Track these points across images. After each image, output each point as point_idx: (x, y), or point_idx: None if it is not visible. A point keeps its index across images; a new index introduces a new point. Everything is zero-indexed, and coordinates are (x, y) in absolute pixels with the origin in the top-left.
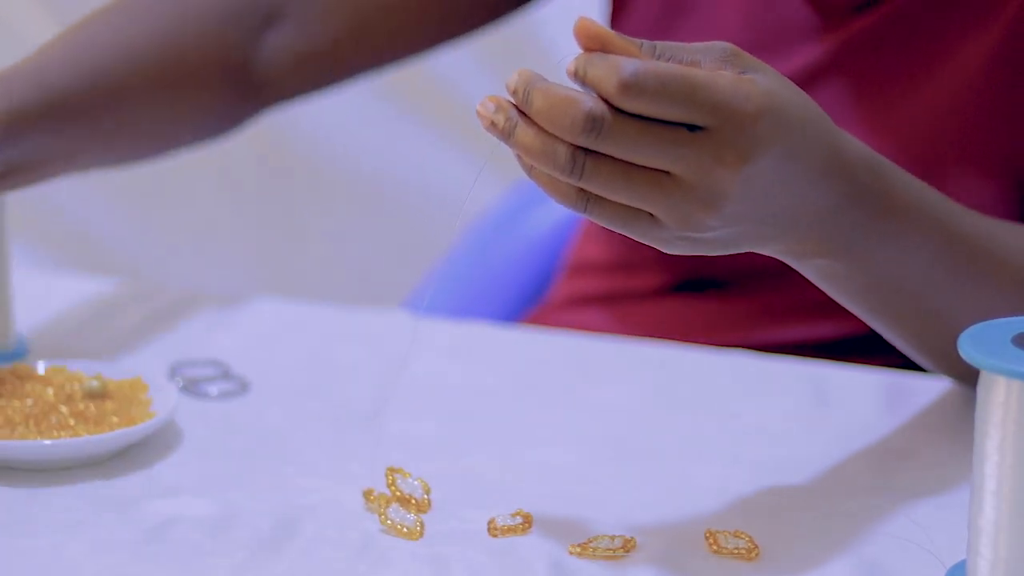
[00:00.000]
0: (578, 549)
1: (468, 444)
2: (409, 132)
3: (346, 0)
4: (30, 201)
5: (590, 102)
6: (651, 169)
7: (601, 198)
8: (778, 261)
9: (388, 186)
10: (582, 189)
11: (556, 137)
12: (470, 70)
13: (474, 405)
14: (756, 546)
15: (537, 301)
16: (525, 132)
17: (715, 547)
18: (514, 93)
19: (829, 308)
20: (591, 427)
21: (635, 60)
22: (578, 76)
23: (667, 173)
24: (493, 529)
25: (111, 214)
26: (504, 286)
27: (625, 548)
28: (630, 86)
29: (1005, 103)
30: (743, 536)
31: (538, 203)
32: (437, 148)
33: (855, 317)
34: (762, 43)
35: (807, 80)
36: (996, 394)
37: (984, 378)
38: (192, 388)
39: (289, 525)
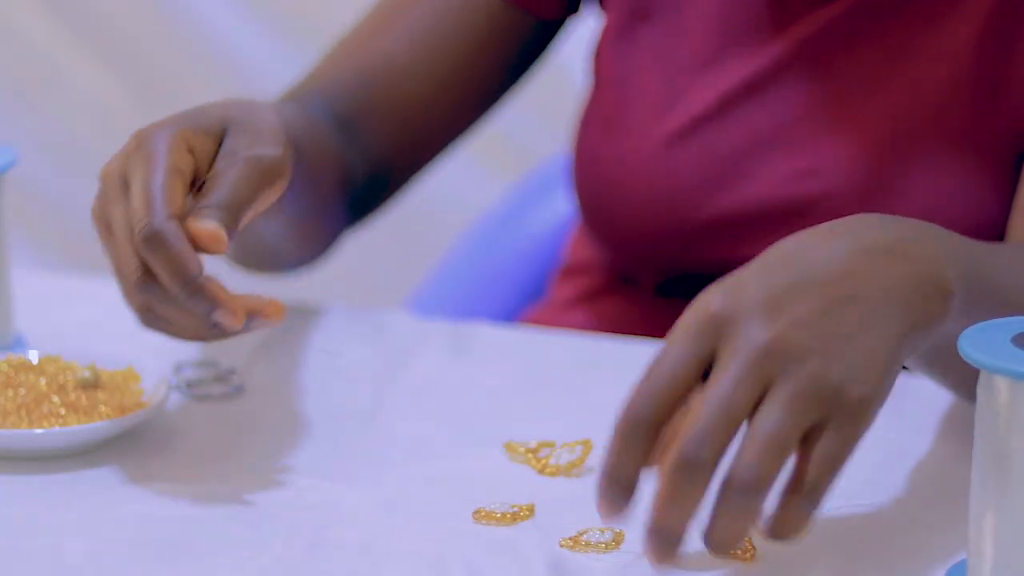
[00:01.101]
0: (569, 542)
1: (467, 444)
2: None
3: (396, 110)
4: (30, 201)
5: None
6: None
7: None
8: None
9: None
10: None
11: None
12: None
13: (474, 405)
14: (753, 547)
15: (535, 301)
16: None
17: None
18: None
19: None
20: (591, 427)
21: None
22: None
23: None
24: (478, 514)
25: None
26: (504, 286)
27: (616, 541)
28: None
29: (986, 87)
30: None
31: (538, 203)
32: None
33: None
34: (728, 42)
35: (776, 74)
36: (996, 394)
37: (984, 378)
38: (192, 388)
39: (289, 525)
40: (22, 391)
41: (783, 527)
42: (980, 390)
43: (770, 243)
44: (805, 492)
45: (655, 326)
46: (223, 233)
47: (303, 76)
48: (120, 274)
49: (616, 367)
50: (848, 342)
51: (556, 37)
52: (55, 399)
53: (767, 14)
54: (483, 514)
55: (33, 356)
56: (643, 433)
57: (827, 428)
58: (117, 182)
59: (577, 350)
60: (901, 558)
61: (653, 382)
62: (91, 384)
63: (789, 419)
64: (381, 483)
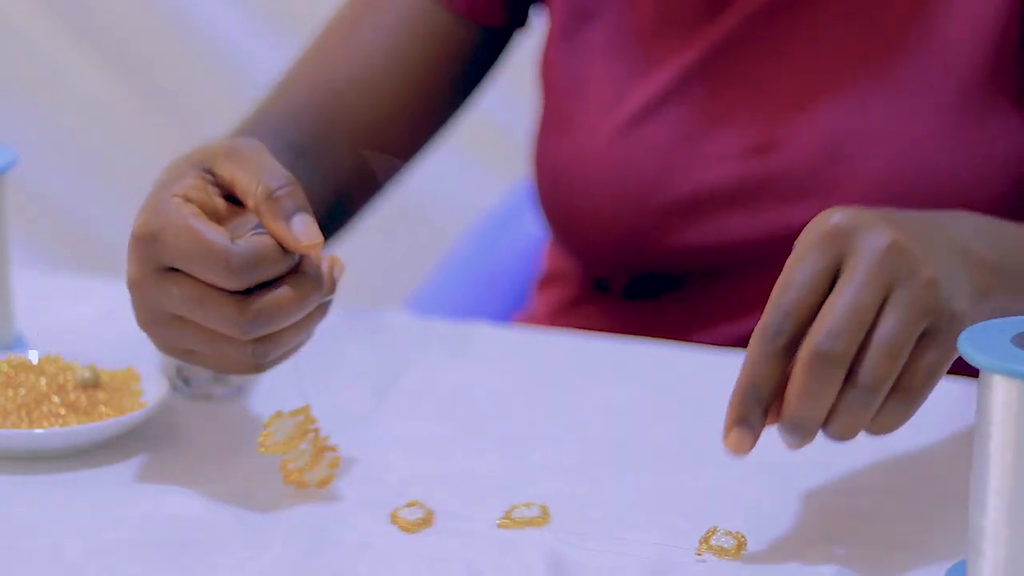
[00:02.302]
0: (507, 522)
1: (468, 444)
2: None
3: (351, 135)
4: (30, 201)
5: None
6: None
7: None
8: (728, 256)
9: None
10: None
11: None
12: None
13: (474, 405)
14: (743, 544)
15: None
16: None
17: (706, 545)
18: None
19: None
20: (591, 427)
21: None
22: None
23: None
24: (507, 520)
25: (111, 214)
26: (503, 286)
27: (543, 517)
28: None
29: (925, 40)
30: (735, 536)
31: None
32: (437, 149)
33: None
34: (670, 28)
35: (718, 56)
36: (996, 394)
37: (984, 378)
38: (192, 388)
39: (289, 525)
40: (22, 391)
41: (883, 425)
42: (980, 390)
43: (731, 222)
44: (908, 395)
45: (626, 329)
46: (319, 233)
47: (256, 105)
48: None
49: (615, 367)
50: (948, 264)
51: (505, 49)
52: (55, 399)
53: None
54: (511, 519)
55: (33, 356)
56: (781, 344)
57: (932, 338)
58: (156, 279)
59: (577, 350)
60: (901, 558)
61: (787, 295)
62: (91, 384)
63: (906, 327)
64: (381, 483)
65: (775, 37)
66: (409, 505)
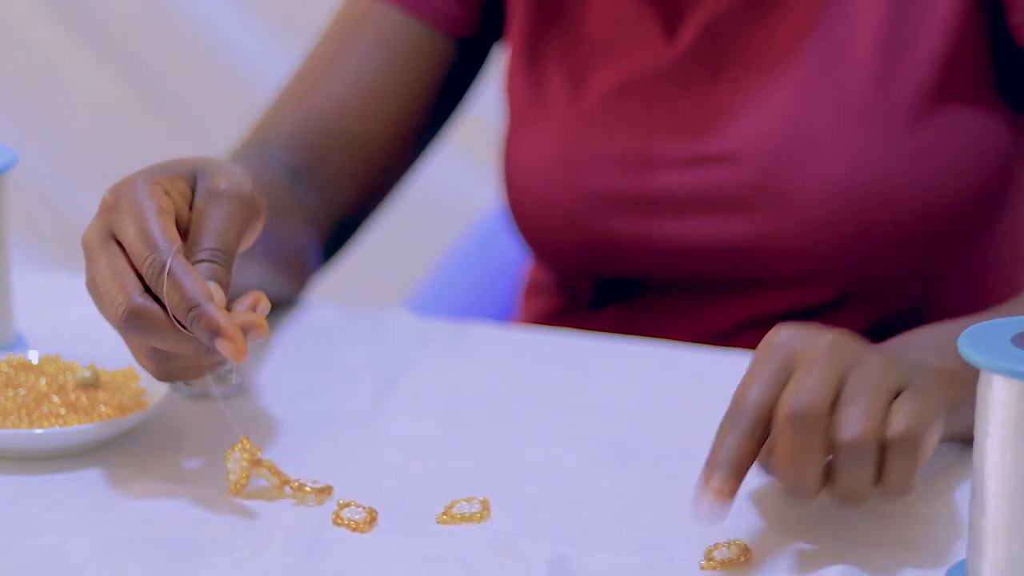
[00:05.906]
0: (446, 518)
1: (467, 444)
2: None
3: (351, 153)
4: (30, 201)
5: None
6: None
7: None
8: (682, 263)
9: None
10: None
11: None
12: None
13: (473, 405)
14: (746, 550)
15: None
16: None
17: (712, 562)
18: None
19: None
20: (591, 427)
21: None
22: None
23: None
24: (446, 516)
25: None
26: (503, 286)
27: (482, 514)
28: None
29: (886, 54)
30: (737, 545)
31: None
32: (437, 148)
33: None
34: (627, 33)
35: (673, 64)
36: (996, 394)
37: (984, 378)
38: (192, 388)
39: (289, 525)
40: (22, 391)
41: (893, 484)
42: (980, 390)
43: (682, 228)
44: (905, 446)
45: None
46: (221, 292)
47: (249, 131)
48: (118, 326)
49: (615, 367)
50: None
51: (485, 60)
52: (55, 399)
53: (663, 7)
54: (451, 514)
55: (33, 356)
56: (755, 421)
57: (909, 391)
58: (100, 242)
59: (577, 350)
60: (901, 558)
61: (747, 390)
62: (91, 384)
63: (871, 384)
64: (381, 483)
65: (730, 49)
66: (347, 506)
